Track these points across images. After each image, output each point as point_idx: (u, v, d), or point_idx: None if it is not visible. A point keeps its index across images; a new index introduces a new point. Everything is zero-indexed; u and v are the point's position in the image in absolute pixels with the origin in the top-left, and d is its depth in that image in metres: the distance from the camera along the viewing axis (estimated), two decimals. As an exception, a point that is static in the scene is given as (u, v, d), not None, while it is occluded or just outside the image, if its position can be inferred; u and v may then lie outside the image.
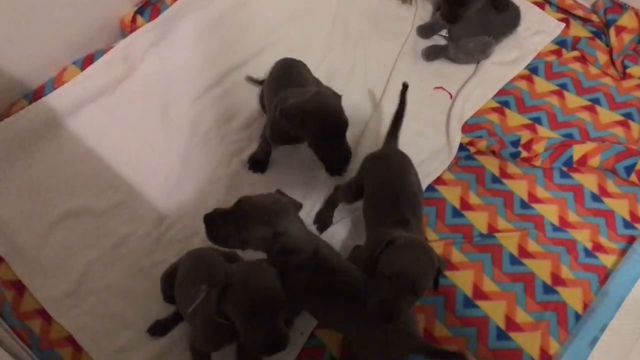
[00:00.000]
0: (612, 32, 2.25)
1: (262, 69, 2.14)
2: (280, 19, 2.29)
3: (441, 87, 2.16)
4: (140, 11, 2.19)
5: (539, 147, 1.97)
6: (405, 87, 1.75)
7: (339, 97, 1.73)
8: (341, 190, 1.78)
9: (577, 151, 1.94)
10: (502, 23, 2.19)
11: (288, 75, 1.92)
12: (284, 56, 2.00)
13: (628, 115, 2.10)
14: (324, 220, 1.84)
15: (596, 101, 2.14)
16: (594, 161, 1.93)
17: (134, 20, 2.16)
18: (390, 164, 1.64)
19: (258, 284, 1.26)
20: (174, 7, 2.20)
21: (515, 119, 2.10)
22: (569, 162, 1.95)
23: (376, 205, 1.59)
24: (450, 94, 2.14)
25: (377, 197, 1.60)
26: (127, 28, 2.16)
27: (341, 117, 1.67)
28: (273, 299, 1.25)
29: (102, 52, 2.08)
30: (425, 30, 2.27)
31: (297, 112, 1.63)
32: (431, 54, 2.22)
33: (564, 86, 2.18)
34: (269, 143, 1.88)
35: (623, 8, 2.27)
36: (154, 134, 2.00)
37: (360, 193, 1.66)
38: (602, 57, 2.24)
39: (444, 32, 2.26)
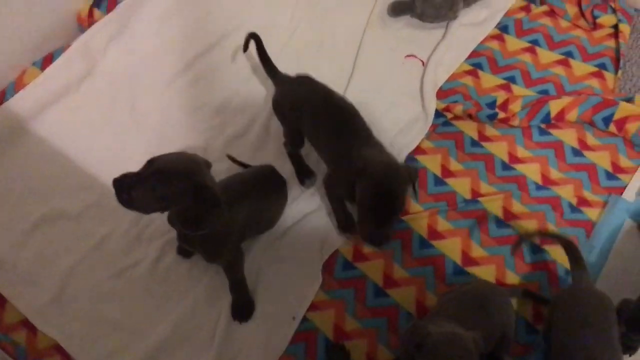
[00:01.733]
0: (579, -17, 2.23)
1: (227, 53, 2.09)
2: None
3: (412, 55, 2.11)
4: (96, 4, 2.11)
5: (515, 107, 1.94)
6: None
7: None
8: None
9: (554, 107, 1.92)
10: None
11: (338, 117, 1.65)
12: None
13: (602, 66, 2.07)
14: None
15: (569, 54, 2.11)
16: (572, 115, 1.91)
17: (91, 14, 2.09)
18: None
19: None
20: (131, -3, 2.13)
21: (489, 80, 2.06)
22: (546, 119, 1.92)
23: None
24: (422, 61, 2.10)
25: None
26: (85, 23, 2.09)
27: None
28: None
29: (61, 51, 2.01)
30: None
31: None
32: (397, 8, 2.17)
33: (535, 42, 2.14)
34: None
35: (590, -40, 2.24)
36: (124, 129, 1.93)
37: None
38: (571, 9, 2.20)
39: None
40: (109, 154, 1.87)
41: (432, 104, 1.96)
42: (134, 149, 1.88)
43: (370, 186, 1.45)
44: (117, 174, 1.25)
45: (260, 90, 2.03)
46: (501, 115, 1.92)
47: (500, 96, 1.99)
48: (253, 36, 1.85)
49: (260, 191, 1.63)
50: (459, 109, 1.94)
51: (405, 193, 1.47)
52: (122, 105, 1.98)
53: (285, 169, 1.82)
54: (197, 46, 2.12)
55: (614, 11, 2.16)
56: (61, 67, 1.99)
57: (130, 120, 1.95)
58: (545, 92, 2.03)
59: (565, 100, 1.92)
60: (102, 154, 1.87)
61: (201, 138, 1.92)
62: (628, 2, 2.18)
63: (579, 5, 2.20)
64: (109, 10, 2.10)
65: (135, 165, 1.29)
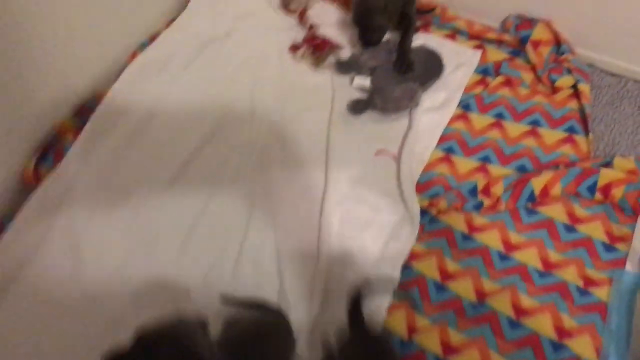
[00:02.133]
0: (529, 48, 2.21)
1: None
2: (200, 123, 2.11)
3: (382, 150, 2.05)
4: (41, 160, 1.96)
5: (497, 190, 1.89)
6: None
7: None
8: None
9: (537, 184, 1.87)
10: (424, 71, 2.12)
11: None
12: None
13: (570, 130, 2.06)
14: None
15: (536, 123, 2.09)
16: (556, 190, 1.87)
17: (36, 173, 1.93)
18: None
19: None
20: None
21: (464, 164, 2.01)
22: (531, 198, 1.87)
23: None
24: (393, 155, 2.04)
25: None
26: (31, 180, 1.93)
27: None
28: None
29: (9, 218, 1.85)
30: (343, 66, 2.19)
31: None
32: (357, 107, 2.10)
33: (500, 116, 2.11)
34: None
35: (533, 22, 2.24)
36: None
37: None
38: (527, 76, 2.20)
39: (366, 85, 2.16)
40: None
41: (416, 205, 1.88)
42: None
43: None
44: None
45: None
46: (486, 202, 1.87)
47: (480, 180, 1.94)
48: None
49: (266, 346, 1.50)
50: (443, 203, 1.87)
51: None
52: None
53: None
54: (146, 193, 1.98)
55: (569, 72, 2.16)
56: (15, 238, 1.82)
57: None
58: (522, 167, 1.99)
59: (546, 176, 1.88)
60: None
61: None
62: (581, 59, 2.20)
63: (534, 71, 2.20)
64: (55, 163, 1.94)
65: None
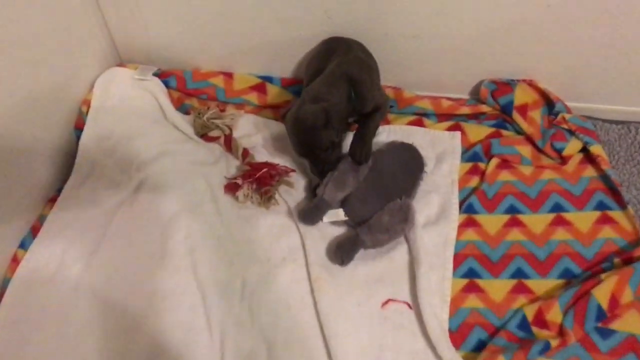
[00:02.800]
0: (516, 116, 1.82)
1: None
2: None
3: (390, 300, 1.57)
4: None
5: (554, 315, 1.44)
6: None
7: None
8: None
9: (601, 296, 1.43)
10: (403, 174, 1.67)
11: None
12: None
13: (601, 206, 1.65)
14: None
15: (558, 207, 1.67)
16: (627, 297, 1.44)
17: None
18: None
19: None
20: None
21: (495, 288, 1.54)
22: (601, 315, 1.44)
23: None
24: (406, 303, 1.55)
25: None
26: None
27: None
28: None
29: None
30: (308, 215, 1.65)
31: None
32: (345, 253, 1.57)
33: (513, 209, 1.68)
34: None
35: (511, 84, 1.85)
36: None
37: None
38: (526, 150, 1.79)
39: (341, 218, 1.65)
40: None
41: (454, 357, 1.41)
42: None
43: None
44: None
45: None
46: (553, 342, 1.41)
47: (526, 307, 1.49)
48: None
49: None
50: (497, 354, 1.40)
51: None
52: None
53: None
54: None
55: (573, 134, 1.79)
56: None
57: None
58: (567, 272, 1.55)
59: (609, 283, 1.45)
60: None
61: None
62: (580, 113, 1.84)
63: (532, 142, 1.81)
64: None
65: None
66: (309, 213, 1.65)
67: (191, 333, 1.48)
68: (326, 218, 1.63)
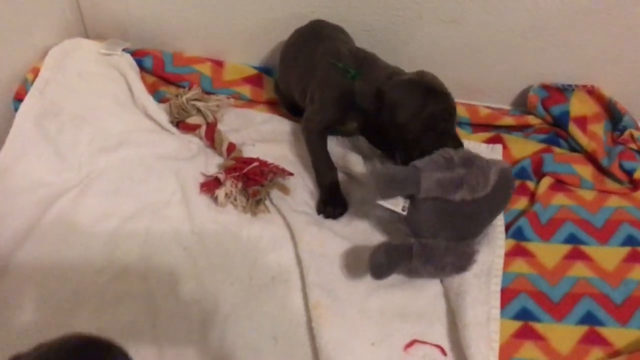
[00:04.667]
0: (573, 129, 1.51)
1: None
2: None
3: (415, 341, 1.17)
4: None
5: None
6: None
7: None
8: None
9: None
10: (489, 209, 1.25)
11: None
12: None
13: (689, 241, 1.34)
14: None
15: (633, 242, 1.32)
16: None
17: None
18: None
19: None
20: None
21: (560, 335, 1.16)
22: None
23: None
24: (439, 347, 1.16)
25: None
26: None
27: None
28: None
29: None
30: (388, 180, 1.16)
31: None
32: (385, 262, 1.14)
33: (575, 239, 1.32)
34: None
35: (566, 92, 1.55)
36: None
37: None
38: (586, 171, 1.46)
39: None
40: None
41: None
42: None
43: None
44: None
45: None
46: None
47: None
48: None
49: None
50: None
51: None
52: None
53: None
54: None
55: (643, 154, 1.48)
56: None
57: None
58: None
59: None
60: None
61: None
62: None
63: (593, 161, 1.48)
64: None
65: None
66: (390, 178, 1.18)
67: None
68: (387, 202, 1.20)
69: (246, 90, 1.66)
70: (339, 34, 1.50)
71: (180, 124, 1.49)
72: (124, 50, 1.62)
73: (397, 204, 1.19)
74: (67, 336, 0.78)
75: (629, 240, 1.33)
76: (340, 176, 1.44)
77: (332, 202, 1.37)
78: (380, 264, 1.15)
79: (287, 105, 1.61)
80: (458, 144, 1.28)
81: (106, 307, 1.17)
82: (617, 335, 1.17)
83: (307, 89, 1.44)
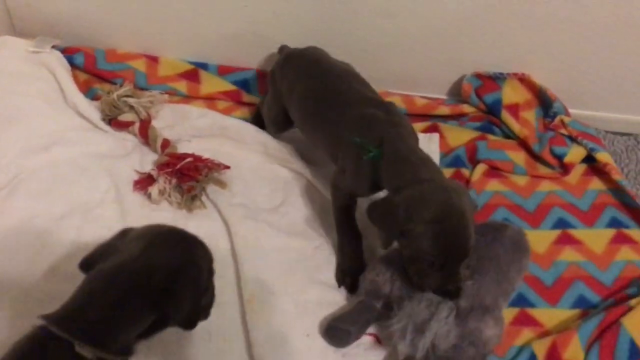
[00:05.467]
0: (505, 117, 1.55)
1: None
2: None
3: None
4: None
5: (574, 354, 1.12)
6: None
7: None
8: None
9: (633, 326, 1.13)
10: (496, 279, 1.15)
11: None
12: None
13: (615, 223, 1.38)
14: None
15: (563, 224, 1.38)
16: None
17: None
18: None
19: None
20: None
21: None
22: (635, 353, 1.11)
23: None
24: (373, 335, 1.15)
25: None
26: None
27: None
28: None
29: None
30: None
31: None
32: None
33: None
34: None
35: (499, 80, 1.59)
36: None
37: None
38: (519, 157, 1.51)
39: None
40: None
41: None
42: None
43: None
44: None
45: None
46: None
47: (537, 343, 1.15)
48: None
49: None
50: None
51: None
52: None
53: None
54: None
55: (574, 140, 1.52)
56: None
57: None
58: (582, 301, 1.25)
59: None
60: None
61: None
62: (581, 121, 1.57)
63: (526, 147, 1.52)
64: None
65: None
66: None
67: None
68: None
69: (182, 86, 1.64)
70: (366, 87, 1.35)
71: (113, 122, 1.47)
72: (53, 47, 1.60)
73: None
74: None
75: (560, 223, 1.39)
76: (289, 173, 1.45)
77: (351, 273, 1.25)
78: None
79: (278, 123, 1.48)
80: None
81: (33, 307, 1.16)
82: (548, 315, 1.22)
83: (334, 146, 1.28)
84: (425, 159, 1.14)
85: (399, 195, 1.07)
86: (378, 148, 1.15)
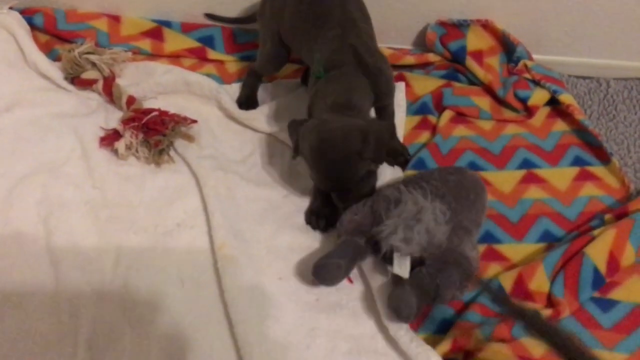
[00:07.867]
0: (470, 64, 1.56)
1: None
2: None
3: None
4: None
5: (539, 283, 1.14)
6: None
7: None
8: None
9: (597, 256, 1.16)
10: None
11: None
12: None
13: (578, 161, 1.40)
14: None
15: (528, 164, 1.40)
16: (628, 256, 1.17)
17: None
18: None
19: None
20: None
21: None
22: (598, 281, 1.15)
23: None
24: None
25: None
26: None
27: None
28: None
29: None
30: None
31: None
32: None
33: (474, 167, 1.38)
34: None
35: (462, 27, 1.59)
36: None
37: None
38: (484, 102, 1.52)
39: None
40: None
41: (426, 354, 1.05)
42: None
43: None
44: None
45: None
46: (545, 311, 1.11)
47: (503, 277, 1.17)
48: None
49: None
50: (477, 336, 1.07)
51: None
52: None
53: None
54: None
55: (537, 83, 1.54)
56: None
57: None
58: (547, 235, 1.27)
59: (606, 238, 1.18)
60: None
61: None
62: (544, 65, 1.57)
63: (490, 92, 1.54)
64: None
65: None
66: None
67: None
68: (396, 265, 1.11)
69: (146, 45, 1.62)
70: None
71: (76, 80, 1.46)
72: (11, 8, 1.57)
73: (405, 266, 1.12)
74: None
75: (525, 164, 1.41)
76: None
77: (322, 213, 1.28)
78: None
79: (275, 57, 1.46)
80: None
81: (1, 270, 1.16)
82: (514, 250, 1.24)
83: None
84: (346, 105, 1.18)
85: (302, 126, 1.18)
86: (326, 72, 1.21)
